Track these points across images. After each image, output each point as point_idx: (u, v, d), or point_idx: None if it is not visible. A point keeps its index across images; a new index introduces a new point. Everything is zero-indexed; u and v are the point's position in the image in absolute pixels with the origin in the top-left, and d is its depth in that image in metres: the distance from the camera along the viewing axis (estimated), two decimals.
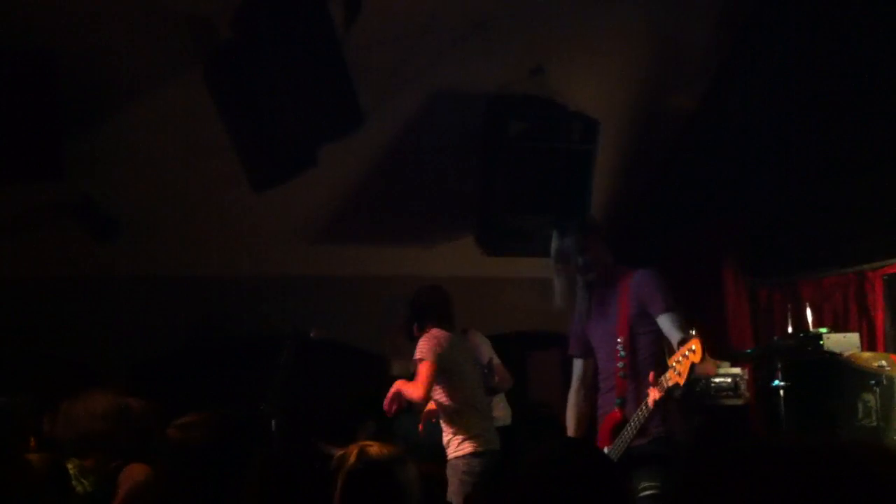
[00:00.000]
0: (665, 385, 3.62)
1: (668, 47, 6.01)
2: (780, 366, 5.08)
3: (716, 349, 5.75)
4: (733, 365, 5.65)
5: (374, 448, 2.65)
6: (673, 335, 3.83)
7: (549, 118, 5.81)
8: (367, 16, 5.26)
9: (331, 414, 5.81)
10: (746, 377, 5.62)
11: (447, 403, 4.59)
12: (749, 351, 5.66)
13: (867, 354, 5.12)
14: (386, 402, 4.56)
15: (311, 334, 5.38)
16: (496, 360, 5.16)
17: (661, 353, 3.88)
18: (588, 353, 4.11)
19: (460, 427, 4.56)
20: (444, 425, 4.62)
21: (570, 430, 4.06)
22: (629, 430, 3.70)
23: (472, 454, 4.52)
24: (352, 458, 2.60)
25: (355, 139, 5.62)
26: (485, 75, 5.79)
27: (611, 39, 5.91)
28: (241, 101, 5.37)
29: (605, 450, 3.70)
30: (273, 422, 4.82)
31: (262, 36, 5.26)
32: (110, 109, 5.39)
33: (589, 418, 4.05)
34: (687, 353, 3.58)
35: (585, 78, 5.99)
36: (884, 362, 4.90)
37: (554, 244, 4.02)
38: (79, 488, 3.13)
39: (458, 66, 5.67)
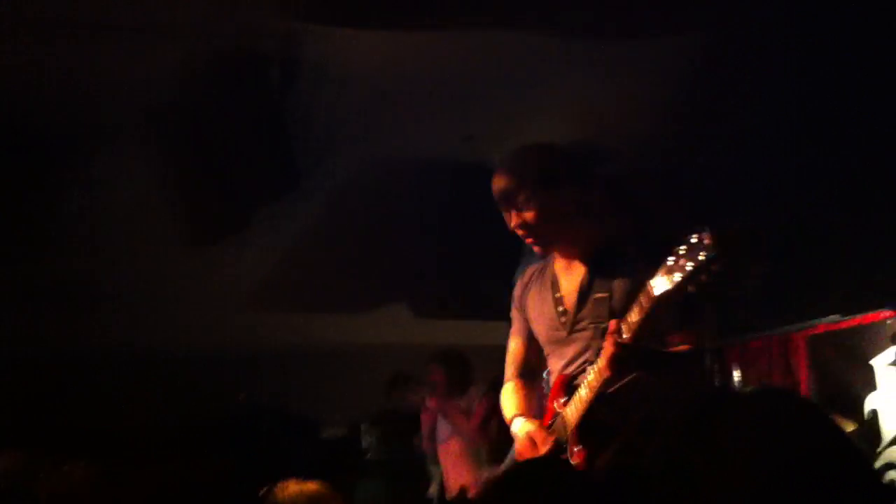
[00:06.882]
0: None
1: (600, 122, 6.15)
2: None
3: None
4: None
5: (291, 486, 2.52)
6: None
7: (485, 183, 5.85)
8: (304, 81, 5.22)
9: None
10: None
11: None
12: None
13: None
14: None
15: (239, 398, 5.32)
16: None
17: None
18: None
19: None
20: None
21: None
22: None
23: None
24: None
25: (288, 202, 5.52)
26: (421, 142, 5.81)
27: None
28: (178, 160, 5.19)
29: None
30: None
31: (202, 95, 5.13)
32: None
33: None
34: None
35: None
36: None
37: None
38: None
39: (397, 132, 5.67)
